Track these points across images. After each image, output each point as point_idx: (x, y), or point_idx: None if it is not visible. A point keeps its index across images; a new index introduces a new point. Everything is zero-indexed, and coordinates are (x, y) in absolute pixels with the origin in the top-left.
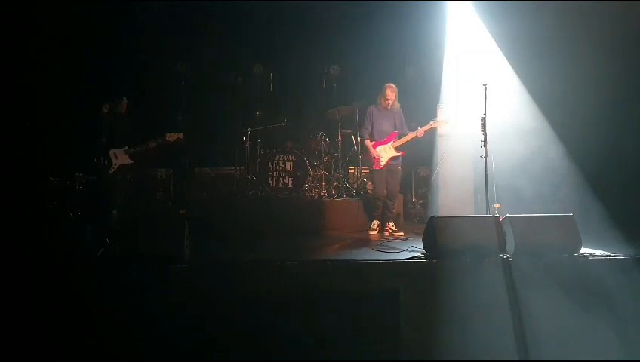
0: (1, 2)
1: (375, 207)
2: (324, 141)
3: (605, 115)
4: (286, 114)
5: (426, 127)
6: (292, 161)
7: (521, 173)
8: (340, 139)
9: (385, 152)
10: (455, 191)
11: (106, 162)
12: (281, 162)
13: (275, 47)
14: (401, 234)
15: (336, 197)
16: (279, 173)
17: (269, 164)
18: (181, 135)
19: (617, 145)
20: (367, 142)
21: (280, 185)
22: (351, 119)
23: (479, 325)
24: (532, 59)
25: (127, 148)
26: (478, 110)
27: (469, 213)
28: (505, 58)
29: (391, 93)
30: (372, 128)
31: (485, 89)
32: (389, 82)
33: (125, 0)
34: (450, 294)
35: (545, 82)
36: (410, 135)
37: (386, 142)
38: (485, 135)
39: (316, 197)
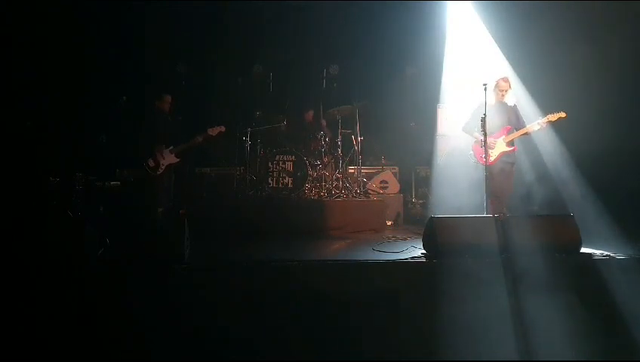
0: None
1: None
2: (324, 141)
3: (606, 114)
4: (286, 114)
5: (541, 121)
6: (292, 161)
7: (521, 172)
8: (340, 139)
9: (496, 146)
10: (455, 191)
11: (152, 163)
12: (281, 162)
13: (275, 47)
14: None
15: (336, 198)
16: (279, 173)
17: (269, 164)
18: (223, 128)
19: (618, 145)
20: (477, 134)
21: (280, 185)
22: (351, 119)
23: (479, 325)
24: (532, 59)
25: (171, 147)
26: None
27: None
28: (505, 58)
29: (504, 83)
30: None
31: (485, 89)
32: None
33: (127, 0)
34: (450, 294)
35: (545, 82)
36: (523, 130)
37: (497, 136)
38: (485, 135)
39: (316, 197)
